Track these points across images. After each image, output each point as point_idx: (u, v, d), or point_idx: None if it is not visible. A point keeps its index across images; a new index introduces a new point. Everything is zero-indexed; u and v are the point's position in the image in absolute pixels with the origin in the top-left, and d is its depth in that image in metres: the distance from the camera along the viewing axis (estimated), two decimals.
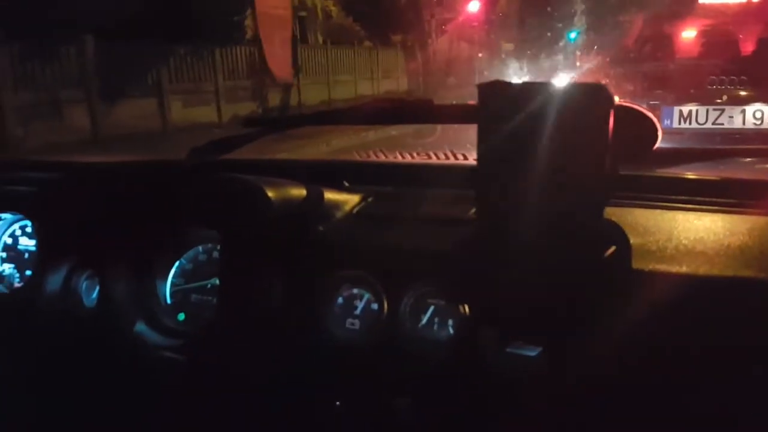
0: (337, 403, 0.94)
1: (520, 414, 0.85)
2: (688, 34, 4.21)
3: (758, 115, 3.42)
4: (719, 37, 4.17)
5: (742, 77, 3.41)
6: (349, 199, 1.15)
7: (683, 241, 0.90)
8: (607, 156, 0.76)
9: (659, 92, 3.60)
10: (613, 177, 0.87)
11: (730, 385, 0.76)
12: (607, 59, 4.26)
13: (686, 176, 1.08)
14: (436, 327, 0.95)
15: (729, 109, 3.42)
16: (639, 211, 1.00)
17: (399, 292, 0.95)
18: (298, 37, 19.70)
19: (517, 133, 0.75)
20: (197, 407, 1.06)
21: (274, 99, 15.48)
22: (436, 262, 0.92)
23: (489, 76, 22.60)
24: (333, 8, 21.93)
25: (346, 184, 1.22)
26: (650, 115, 0.90)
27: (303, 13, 21.61)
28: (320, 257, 1.03)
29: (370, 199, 1.16)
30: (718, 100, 3.44)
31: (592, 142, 0.75)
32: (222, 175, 1.13)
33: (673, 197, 1.03)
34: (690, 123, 3.53)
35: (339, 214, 1.11)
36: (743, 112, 3.40)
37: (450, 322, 0.95)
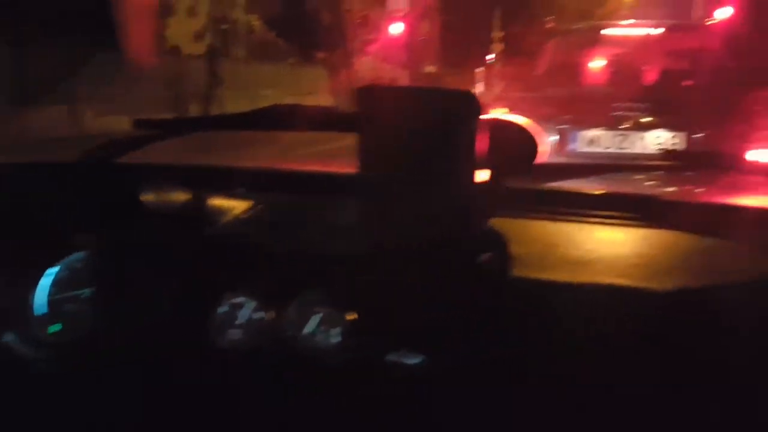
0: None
1: (404, 421, 0.84)
2: (595, 62, 4.41)
3: (658, 140, 3.65)
4: (623, 67, 4.41)
5: (643, 104, 3.68)
6: (238, 206, 1.11)
7: (565, 251, 0.93)
8: (474, 163, 0.78)
9: (567, 117, 3.77)
10: (497, 189, 0.89)
11: (606, 387, 0.77)
12: (522, 83, 4.36)
13: (571, 190, 1.11)
14: (322, 335, 0.93)
15: (631, 135, 3.63)
16: (524, 222, 1.02)
17: (284, 300, 0.92)
18: (220, 49, 19.43)
19: (394, 138, 0.75)
20: (69, 421, 0.99)
21: (195, 110, 15.14)
22: (323, 270, 0.90)
23: None
24: (256, 23, 21.78)
25: (242, 190, 1.18)
26: (529, 129, 0.92)
27: (225, 26, 21.37)
28: (202, 264, 0.98)
29: (260, 206, 1.13)
30: (622, 126, 3.63)
31: (460, 148, 0.77)
32: (101, 176, 1.07)
33: (558, 209, 1.06)
34: (596, 148, 3.73)
35: (225, 220, 1.07)
36: (644, 137, 3.62)
37: (336, 330, 0.92)
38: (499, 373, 0.79)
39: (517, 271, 0.87)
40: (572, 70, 4.39)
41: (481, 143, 0.87)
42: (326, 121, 1.02)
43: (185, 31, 19.48)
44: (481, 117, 0.87)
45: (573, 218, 1.03)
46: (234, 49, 21.17)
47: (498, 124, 0.90)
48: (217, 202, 1.09)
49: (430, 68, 30.33)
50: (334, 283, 0.88)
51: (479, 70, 25.90)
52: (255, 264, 0.95)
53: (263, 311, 0.93)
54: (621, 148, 3.60)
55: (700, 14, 19.75)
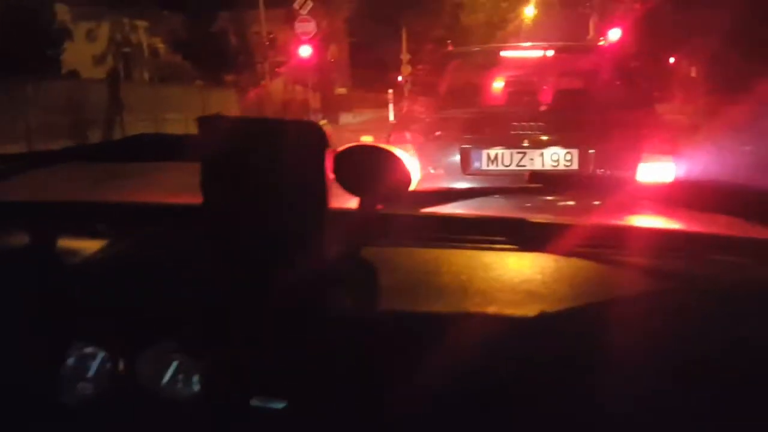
0: None
1: None
2: (495, 83, 4.61)
3: (555, 157, 3.71)
4: (521, 87, 4.56)
5: (541, 123, 3.74)
6: (90, 246, 1.01)
7: (439, 279, 0.90)
8: (325, 192, 0.77)
9: (470, 136, 3.79)
10: (367, 217, 0.88)
11: (476, 423, 0.75)
12: (427, 104, 4.41)
13: (446, 215, 1.09)
14: (181, 383, 0.85)
15: (530, 152, 3.70)
16: (398, 250, 0.99)
17: (138, 348, 0.84)
18: (122, 73, 18.84)
19: (237, 170, 0.74)
20: None
21: (95, 135, 14.55)
22: (178, 315, 0.83)
23: (322, 118, 23.00)
24: (161, 45, 21.27)
25: (101, 226, 1.08)
26: (402, 156, 0.90)
27: (127, 49, 20.75)
28: (45, 312, 0.89)
29: (117, 245, 1.03)
30: (522, 144, 3.71)
31: (306, 179, 0.76)
32: None
33: (433, 235, 1.04)
34: (497, 165, 3.75)
35: (73, 262, 0.97)
36: (542, 154, 3.70)
37: (195, 378, 0.85)
38: (363, 413, 0.76)
39: (385, 304, 0.85)
40: (473, 90, 4.51)
41: (350, 171, 0.87)
42: (188, 150, 0.95)
43: (84, 55, 18.80)
44: (354, 144, 0.88)
45: (448, 244, 1.02)
46: (137, 73, 20.57)
47: (368, 152, 0.89)
48: (68, 242, 0.99)
49: (340, 89, 30.62)
50: (189, 328, 0.82)
51: (390, 91, 26.41)
52: (105, 311, 0.87)
53: (115, 362, 0.84)
54: (521, 166, 3.67)
55: (593, 35, 20.92)
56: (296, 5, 18.94)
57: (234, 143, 0.74)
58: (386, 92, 28.89)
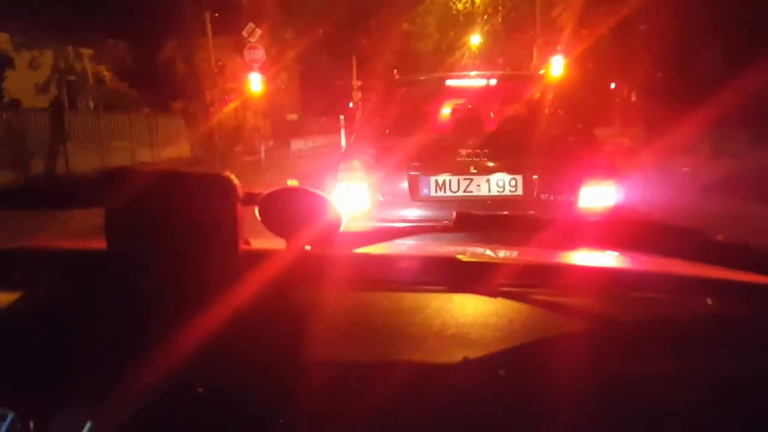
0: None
1: None
2: (441, 110, 4.63)
3: (500, 183, 3.79)
4: (467, 114, 4.60)
5: (486, 150, 3.83)
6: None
7: (362, 323, 0.90)
8: (235, 244, 0.77)
9: (417, 164, 3.84)
10: (297, 258, 0.88)
11: None
12: (376, 131, 4.44)
13: (376, 255, 1.09)
14: None
15: (477, 179, 3.79)
16: (325, 293, 0.98)
17: (49, 408, 0.80)
18: (66, 102, 18.38)
19: (143, 222, 0.74)
20: None
21: (37, 166, 14.12)
22: (92, 374, 0.80)
23: (274, 144, 22.87)
24: (106, 73, 20.86)
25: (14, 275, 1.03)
26: (329, 199, 0.92)
27: (71, 77, 20.27)
28: None
29: (23, 297, 0.98)
30: (469, 171, 3.80)
31: (216, 231, 0.76)
32: None
33: (363, 277, 1.02)
34: (445, 191, 3.82)
35: None
36: (488, 180, 3.78)
37: None
38: None
39: (307, 352, 0.83)
40: (420, 118, 4.58)
41: (276, 214, 0.89)
42: (80, 198, 0.93)
43: (27, 83, 18.31)
44: (278, 188, 0.89)
45: (377, 286, 1.00)
46: (82, 101, 20.12)
47: (294, 195, 0.91)
48: None
49: (291, 116, 30.55)
50: (100, 386, 0.79)
51: (341, 117, 26.46)
52: (13, 369, 0.84)
53: (26, 423, 0.80)
54: (468, 192, 3.77)
55: (537, 61, 21.54)
56: (245, 32, 18.89)
57: (141, 195, 0.74)
58: (338, 118, 29.01)
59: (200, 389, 0.76)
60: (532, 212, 3.69)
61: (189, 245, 0.75)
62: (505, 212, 3.68)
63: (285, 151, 23.30)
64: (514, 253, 1.22)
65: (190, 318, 0.75)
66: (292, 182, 0.91)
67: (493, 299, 0.94)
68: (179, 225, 0.74)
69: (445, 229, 1.01)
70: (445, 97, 4.69)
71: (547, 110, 4.33)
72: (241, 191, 0.80)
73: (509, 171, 3.72)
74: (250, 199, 0.92)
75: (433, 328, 0.89)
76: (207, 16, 19.82)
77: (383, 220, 3.72)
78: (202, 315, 0.75)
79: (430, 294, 0.97)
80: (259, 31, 18.55)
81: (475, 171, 3.76)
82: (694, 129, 15.19)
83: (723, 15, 12.70)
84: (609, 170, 3.73)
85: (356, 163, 3.92)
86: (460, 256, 1.03)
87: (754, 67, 12.44)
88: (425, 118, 4.61)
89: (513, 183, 3.72)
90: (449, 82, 5.00)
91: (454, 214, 1.00)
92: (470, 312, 0.92)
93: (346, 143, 4.44)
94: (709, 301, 0.94)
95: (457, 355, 0.80)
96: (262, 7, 20.05)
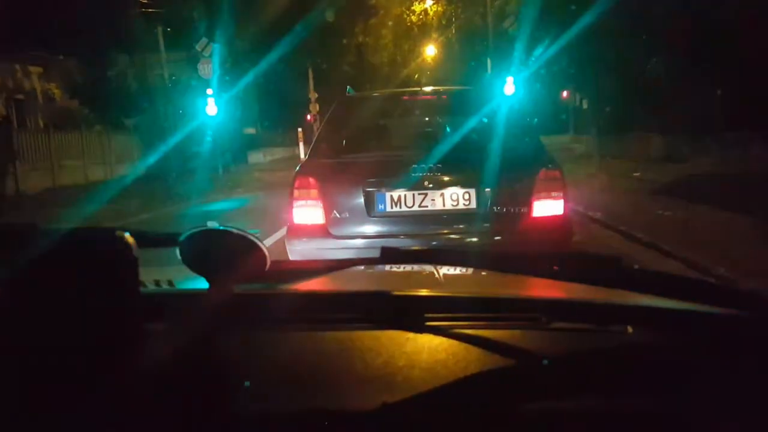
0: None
1: None
2: (394, 126, 4.78)
3: (454, 197, 3.84)
4: (422, 129, 4.81)
5: (440, 165, 3.86)
6: None
7: (289, 366, 0.87)
8: (136, 299, 0.78)
9: (373, 180, 3.88)
10: (227, 298, 0.87)
11: None
12: (331, 148, 4.43)
13: (304, 292, 1.08)
14: None
15: (431, 193, 3.85)
16: (257, 333, 0.95)
17: None
18: (15, 121, 17.89)
19: (39, 277, 0.75)
20: None
21: None
22: None
23: (231, 158, 22.59)
24: (56, 91, 20.35)
25: None
26: (257, 241, 0.92)
27: (20, 96, 19.71)
28: None
29: None
30: (423, 185, 3.84)
31: (111, 288, 0.77)
32: None
33: (289, 316, 0.99)
34: (401, 207, 3.89)
35: None
36: (443, 195, 3.85)
37: None
38: None
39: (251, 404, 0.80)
40: (374, 134, 4.65)
41: (197, 255, 0.90)
42: None
43: None
44: (197, 229, 0.89)
45: (303, 325, 0.96)
46: (31, 120, 19.59)
47: (215, 236, 0.91)
48: None
49: (249, 129, 30.29)
50: None
51: (299, 129, 26.30)
52: None
53: None
54: (423, 206, 3.82)
55: (492, 72, 21.88)
56: (198, 47, 18.72)
57: (38, 254, 0.75)
58: (296, 131, 28.83)
59: None
60: (485, 227, 3.76)
61: (86, 304, 0.75)
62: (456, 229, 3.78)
63: (242, 164, 23.08)
64: (440, 287, 1.19)
65: (95, 378, 0.74)
66: (212, 223, 0.91)
67: (419, 335, 0.92)
68: (75, 285, 0.74)
69: (371, 263, 1.02)
70: (398, 112, 4.78)
71: (498, 124, 4.35)
72: (134, 248, 0.79)
73: (462, 185, 3.79)
74: (171, 240, 0.92)
75: (353, 369, 0.86)
76: (159, 30, 19.56)
77: (340, 237, 3.77)
78: (110, 374, 0.74)
79: (355, 332, 0.94)
80: (212, 45, 18.39)
81: (430, 185, 3.81)
82: (644, 136, 15.64)
83: (663, 35, 13.14)
84: (558, 184, 3.83)
85: (311, 180, 3.91)
86: (387, 290, 1.02)
87: (694, 79, 12.92)
88: (378, 133, 4.67)
89: (466, 197, 3.79)
90: (401, 98, 5.08)
91: (380, 249, 1.00)
92: (396, 350, 0.89)
93: (301, 160, 4.44)
94: (630, 330, 0.94)
95: (374, 401, 0.78)
96: (215, 21, 19.87)
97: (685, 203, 8.29)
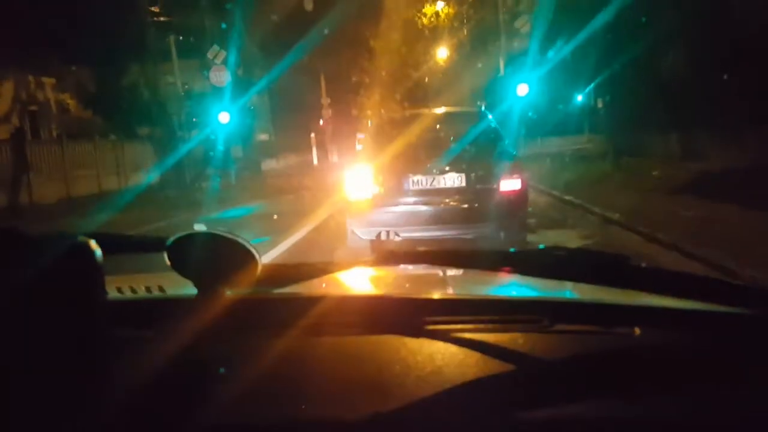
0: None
1: None
2: (415, 134, 6.55)
3: (451, 179, 6.12)
4: (431, 134, 6.83)
5: (444, 158, 6.10)
6: None
7: (282, 374, 0.86)
8: (102, 305, 0.75)
9: (401, 168, 6.12)
10: (216, 303, 0.87)
11: None
12: (375, 148, 6.62)
13: (292, 295, 1.07)
14: None
15: (437, 177, 6.10)
16: (247, 339, 0.94)
17: None
18: (29, 132, 18.06)
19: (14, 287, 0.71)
20: None
21: (0, 199, 13.80)
22: None
23: (244, 165, 22.72)
24: (70, 102, 20.58)
25: None
26: (247, 245, 0.92)
27: (33, 107, 19.97)
28: None
29: None
30: (432, 172, 6.08)
31: (76, 297, 0.73)
32: None
33: (282, 320, 0.98)
34: (419, 186, 6.13)
35: None
36: (444, 178, 6.10)
37: None
38: None
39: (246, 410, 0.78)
40: (403, 139, 6.37)
41: (185, 259, 0.89)
42: None
43: None
44: (184, 234, 0.89)
45: (297, 330, 0.95)
46: (45, 131, 19.81)
47: (202, 240, 0.91)
48: None
49: (262, 136, 30.50)
50: None
51: (312, 134, 26.51)
52: None
53: None
54: (432, 185, 6.09)
55: (504, 73, 21.79)
56: (209, 55, 18.84)
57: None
58: (308, 136, 28.98)
59: None
60: (471, 196, 5.98)
61: (51, 313, 0.71)
62: (451, 201, 5.99)
63: (256, 171, 23.17)
64: (439, 288, 1.19)
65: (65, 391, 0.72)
66: (199, 227, 0.91)
67: (410, 339, 0.90)
68: (39, 293, 0.71)
69: (366, 264, 0.99)
70: (416, 126, 6.70)
71: (481, 132, 6.45)
72: (97, 255, 0.75)
73: (457, 172, 6.09)
74: (159, 245, 0.91)
75: (337, 376, 0.85)
76: (171, 39, 19.71)
77: (384, 206, 5.99)
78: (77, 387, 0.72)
79: (342, 336, 0.93)
80: (223, 53, 18.50)
81: (436, 172, 6.09)
82: (661, 132, 15.44)
83: (684, 18, 12.94)
84: (517, 172, 6.05)
85: (362, 171, 6.20)
86: (383, 294, 1.03)
87: (717, 71, 12.71)
88: (405, 138, 6.46)
89: (459, 179, 6.10)
90: (419, 116, 7.29)
91: (373, 251, 1.07)
92: (384, 355, 0.88)
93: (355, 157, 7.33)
94: (637, 332, 0.91)
95: (363, 409, 0.76)
96: (226, 28, 19.97)
97: (707, 202, 8.06)
